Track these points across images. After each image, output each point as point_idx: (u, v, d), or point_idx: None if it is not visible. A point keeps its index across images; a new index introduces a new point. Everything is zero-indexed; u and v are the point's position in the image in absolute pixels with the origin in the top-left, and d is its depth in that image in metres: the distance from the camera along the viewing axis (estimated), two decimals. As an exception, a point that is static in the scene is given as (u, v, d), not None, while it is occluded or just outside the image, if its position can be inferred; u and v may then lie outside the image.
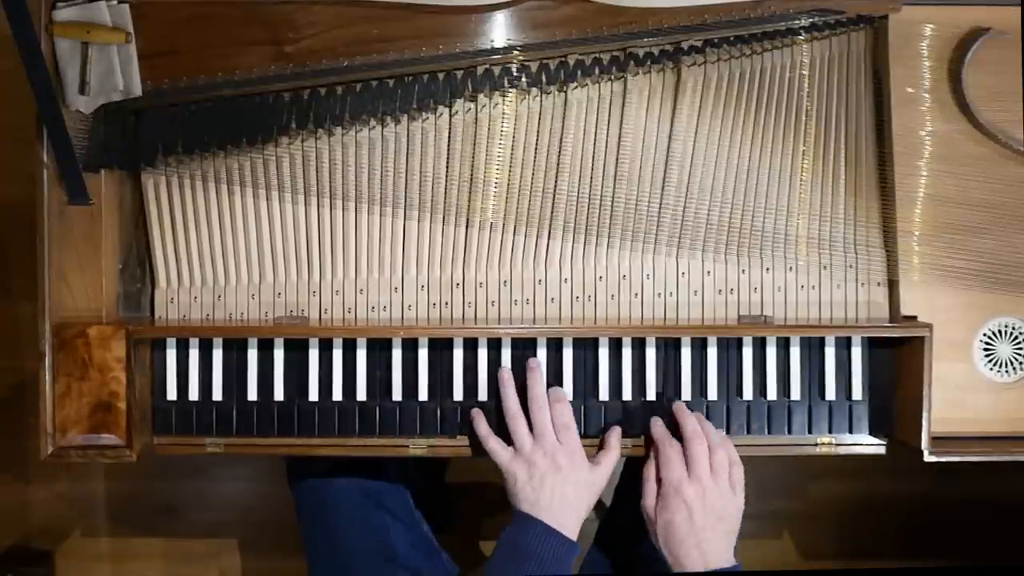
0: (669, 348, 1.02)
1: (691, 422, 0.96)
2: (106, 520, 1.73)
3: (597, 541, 1.22)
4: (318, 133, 1.00)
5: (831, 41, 1.02)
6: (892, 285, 1.02)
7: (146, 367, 1.00)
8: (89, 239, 0.97)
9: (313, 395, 1.02)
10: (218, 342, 1.02)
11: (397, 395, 1.01)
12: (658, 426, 0.99)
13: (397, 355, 1.02)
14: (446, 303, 1.02)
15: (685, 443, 0.95)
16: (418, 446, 1.01)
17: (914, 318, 1.00)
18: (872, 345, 1.02)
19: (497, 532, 0.97)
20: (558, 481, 0.95)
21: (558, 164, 1.01)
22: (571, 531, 0.95)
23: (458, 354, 1.01)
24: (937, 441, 0.96)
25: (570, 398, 1.01)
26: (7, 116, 1.52)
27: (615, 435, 1.00)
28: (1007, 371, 1.02)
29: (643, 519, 0.97)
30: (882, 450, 1.02)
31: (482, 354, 1.01)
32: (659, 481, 0.95)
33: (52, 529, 1.72)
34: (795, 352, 1.02)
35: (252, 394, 1.02)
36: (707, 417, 1.00)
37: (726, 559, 0.93)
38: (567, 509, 0.95)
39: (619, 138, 1.01)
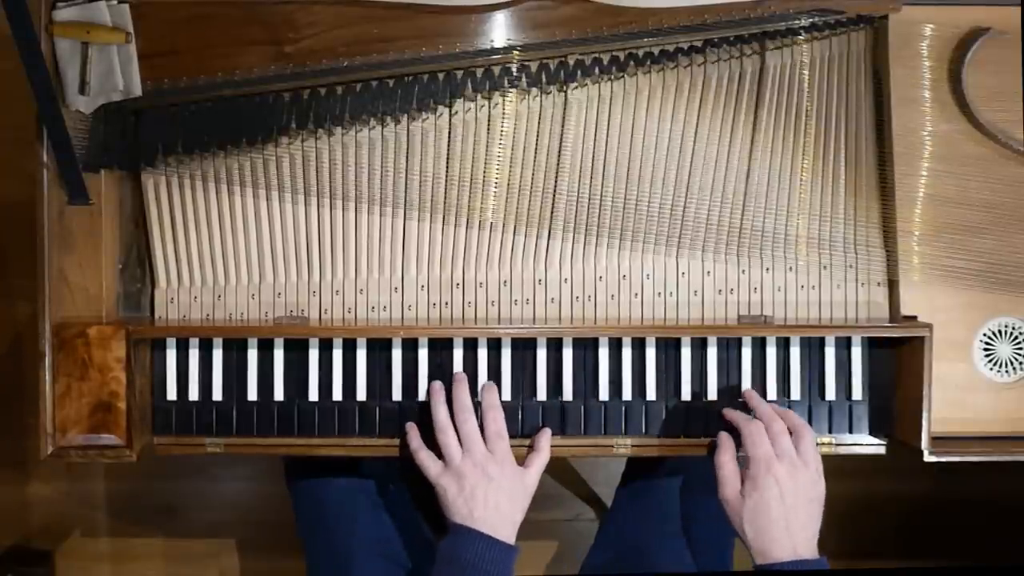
0: (669, 348, 1.02)
1: (767, 407, 0.95)
2: (106, 520, 1.73)
3: (597, 542, 1.22)
4: (318, 133, 1.00)
5: (831, 41, 1.02)
6: (892, 285, 1.02)
7: (146, 367, 1.00)
8: (89, 239, 0.97)
9: (313, 395, 1.01)
10: (218, 342, 1.02)
11: (397, 395, 1.01)
12: (732, 410, 0.97)
13: (397, 355, 1.02)
14: (446, 303, 1.02)
15: (765, 426, 0.93)
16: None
17: (914, 318, 1.00)
18: (872, 345, 1.02)
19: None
20: (491, 491, 0.94)
21: (558, 164, 1.01)
22: (508, 537, 0.94)
23: (458, 354, 1.01)
24: (937, 441, 0.96)
25: (570, 398, 1.01)
26: (7, 116, 1.51)
27: (545, 436, 0.99)
28: (1007, 371, 1.02)
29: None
30: (882, 450, 1.02)
31: (482, 354, 1.01)
32: (740, 465, 0.93)
33: (52, 529, 1.72)
34: (795, 352, 1.02)
35: (252, 394, 1.02)
36: (708, 417, 1.00)
37: (811, 549, 0.90)
38: (502, 518, 0.94)
39: (619, 138, 1.01)
